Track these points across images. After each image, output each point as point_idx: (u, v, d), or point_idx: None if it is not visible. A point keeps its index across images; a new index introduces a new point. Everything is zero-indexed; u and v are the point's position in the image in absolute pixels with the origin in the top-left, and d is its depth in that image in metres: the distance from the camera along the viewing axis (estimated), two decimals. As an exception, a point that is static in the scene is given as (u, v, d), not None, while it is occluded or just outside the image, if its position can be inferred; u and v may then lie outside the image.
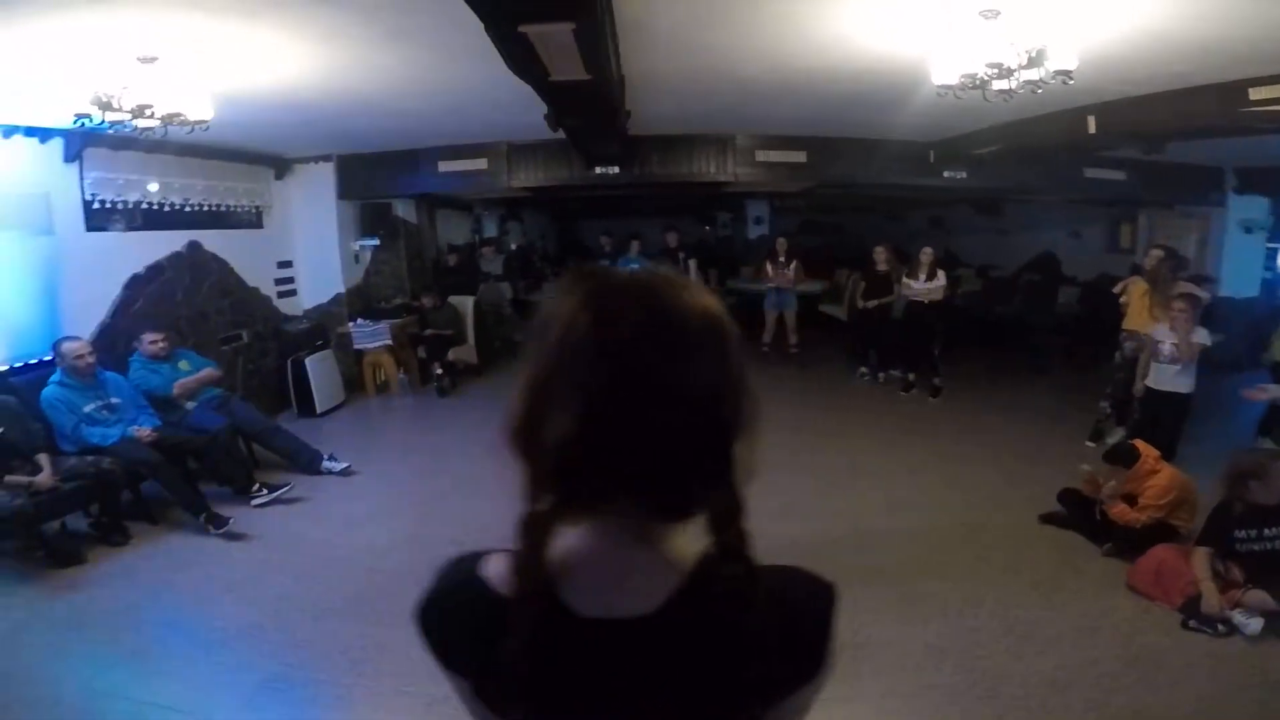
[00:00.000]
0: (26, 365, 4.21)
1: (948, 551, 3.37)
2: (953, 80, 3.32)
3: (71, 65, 2.89)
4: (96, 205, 4.75)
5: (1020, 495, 3.99)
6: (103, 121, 3.05)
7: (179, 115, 3.22)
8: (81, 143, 4.42)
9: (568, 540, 0.59)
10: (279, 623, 3.00)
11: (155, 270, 5.28)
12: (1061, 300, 8.87)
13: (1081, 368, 6.86)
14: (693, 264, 8.07)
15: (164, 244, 5.37)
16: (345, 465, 4.83)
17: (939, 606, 2.87)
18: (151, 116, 3.11)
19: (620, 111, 4.05)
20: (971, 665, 2.45)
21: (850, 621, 2.41)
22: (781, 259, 7.48)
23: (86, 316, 4.68)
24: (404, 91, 4.02)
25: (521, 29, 2.43)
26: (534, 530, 0.57)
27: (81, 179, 4.62)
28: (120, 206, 4.94)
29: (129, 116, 3.05)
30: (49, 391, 3.96)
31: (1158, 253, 5.06)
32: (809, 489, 4.19)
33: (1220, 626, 2.68)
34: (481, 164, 6.19)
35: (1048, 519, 3.70)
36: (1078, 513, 3.58)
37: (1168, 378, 4.18)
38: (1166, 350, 4.17)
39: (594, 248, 9.75)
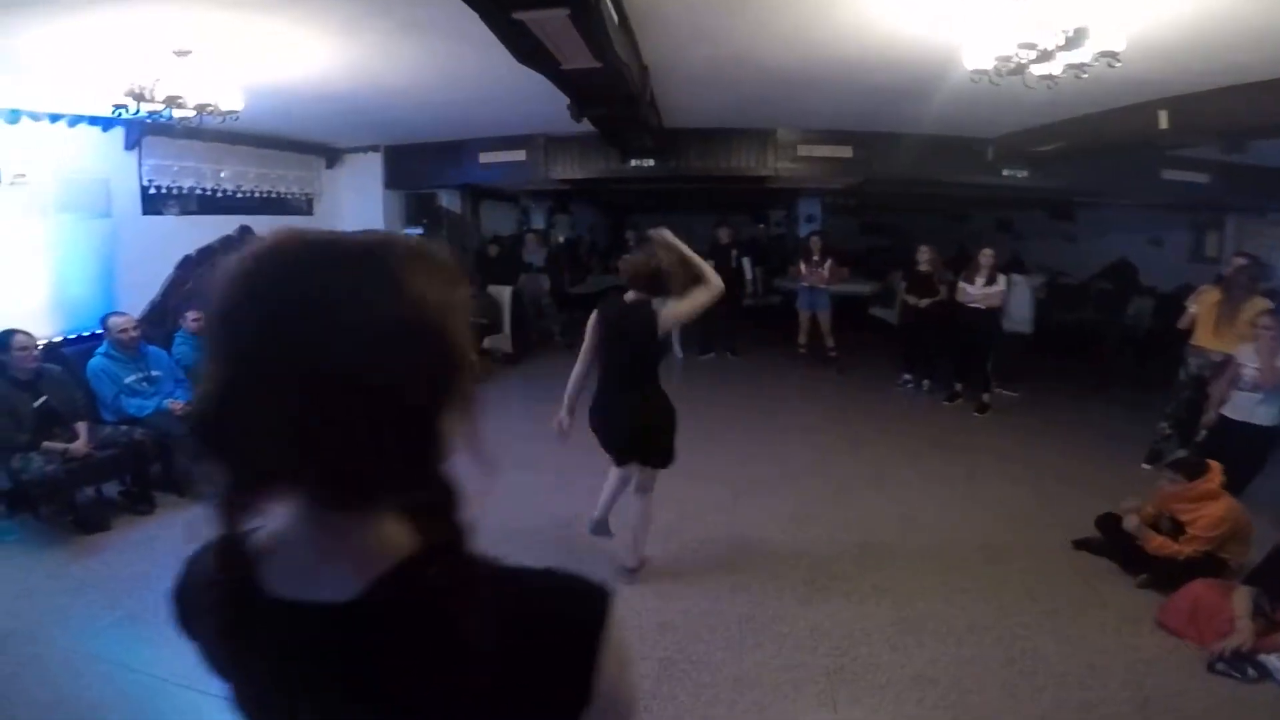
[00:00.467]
0: (79, 337, 4.49)
1: (961, 573, 3.17)
2: (986, 64, 3.11)
3: (112, 57, 3.04)
4: (153, 191, 5.05)
5: (1055, 518, 3.72)
6: (137, 111, 3.21)
7: (210, 106, 3.36)
8: (140, 131, 4.69)
9: (276, 520, 0.56)
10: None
11: (206, 252, 5.56)
12: (1132, 311, 8.25)
13: (1148, 385, 6.36)
14: (746, 261, 7.87)
15: (216, 228, 5.64)
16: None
17: (939, 632, 2.70)
18: (183, 107, 3.24)
19: (643, 101, 3.98)
20: (958, 699, 2.28)
21: (838, 642, 2.31)
22: (815, 257, 7.22)
23: (139, 294, 4.98)
24: (431, 82, 4.09)
25: (516, 16, 2.40)
26: (225, 510, 0.53)
27: (140, 165, 4.91)
28: (175, 192, 5.23)
29: (162, 107, 3.19)
30: (94, 362, 4.20)
31: (1240, 260, 4.61)
32: (824, 497, 4.04)
33: (1251, 670, 2.41)
34: (520, 155, 6.26)
35: (1082, 545, 3.42)
36: (1115, 540, 3.30)
37: (1247, 407, 3.75)
38: (1248, 375, 3.73)
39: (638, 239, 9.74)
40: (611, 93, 3.62)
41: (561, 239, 10.19)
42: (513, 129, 5.94)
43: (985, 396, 5.90)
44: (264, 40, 3.16)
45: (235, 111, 3.48)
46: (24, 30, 2.60)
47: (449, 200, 7.46)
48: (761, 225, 14.15)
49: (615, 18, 2.72)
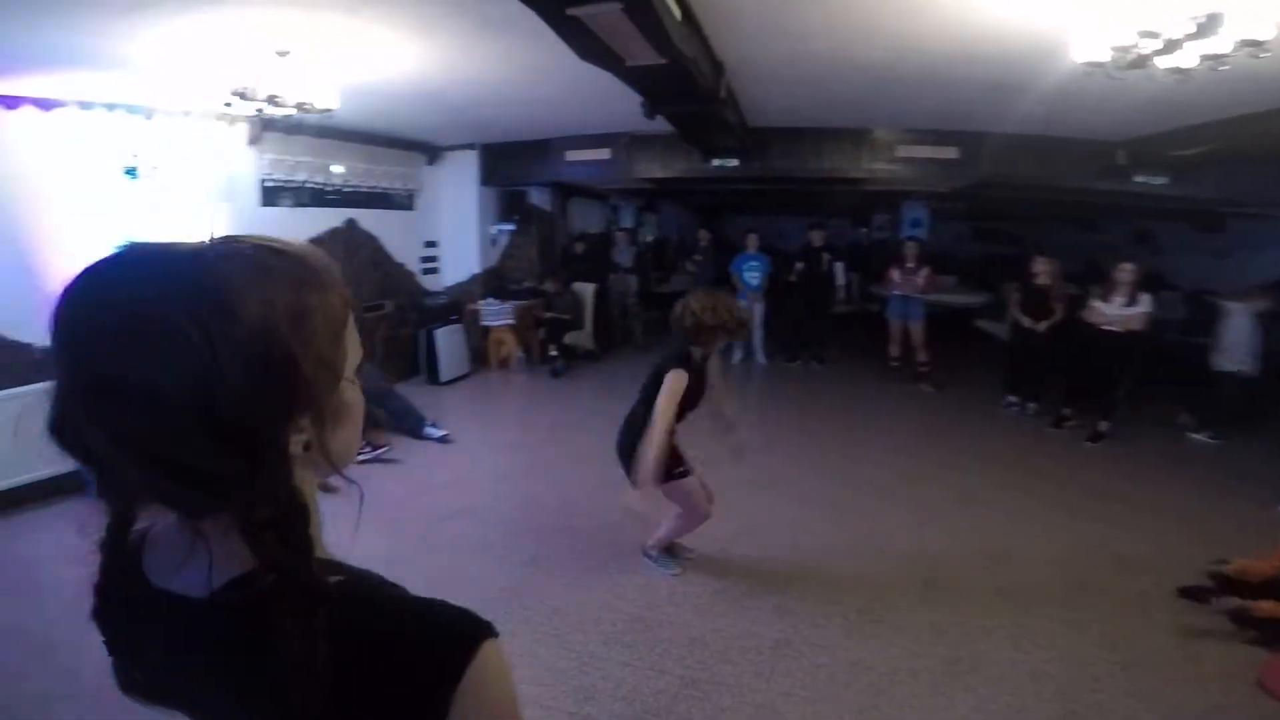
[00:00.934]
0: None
1: (1036, 615, 2.85)
2: (1101, 56, 2.79)
3: (220, 58, 3.33)
4: (270, 184, 5.50)
5: (1163, 563, 3.28)
6: (259, 109, 3.48)
7: (307, 104, 3.59)
8: (261, 128, 5.12)
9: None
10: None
11: (315, 243, 5.94)
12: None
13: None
14: (839, 266, 7.57)
15: (325, 220, 6.08)
16: (444, 433, 5.17)
17: (994, 676, 2.44)
18: (283, 105, 3.49)
19: (718, 100, 3.88)
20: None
21: (877, 679, 2.17)
22: (910, 264, 6.77)
23: (257, 280, 5.44)
24: (514, 81, 4.18)
25: (570, 12, 2.39)
26: (106, 505, 0.58)
27: (259, 160, 5.36)
28: (290, 185, 5.68)
29: (264, 104, 3.44)
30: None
31: None
32: (898, 522, 3.78)
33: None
34: (605, 154, 6.31)
35: (1189, 593, 2.96)
36: (1229, 592, 2.85)
37: None
38: None
39: (737, 244, 9.58)
40: (682, 90, 3.55)
41: (650, 239, 10.21)
42: (597, 128, 5.99)
43: (1102, 425, 5.30)
44: (354, 40, 3.34)
45: (330, 109, 3.70)
46: (140, 32, 2.88)
47: (539, 197, 7.67)
48: (864, 229, 13.59)
49: (677, 13, 2.65)
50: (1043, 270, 5.90)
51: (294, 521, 0.54)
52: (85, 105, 4.09)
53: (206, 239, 0.56)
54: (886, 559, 3.37)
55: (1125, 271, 5.19)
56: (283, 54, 3.34)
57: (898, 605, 2.94)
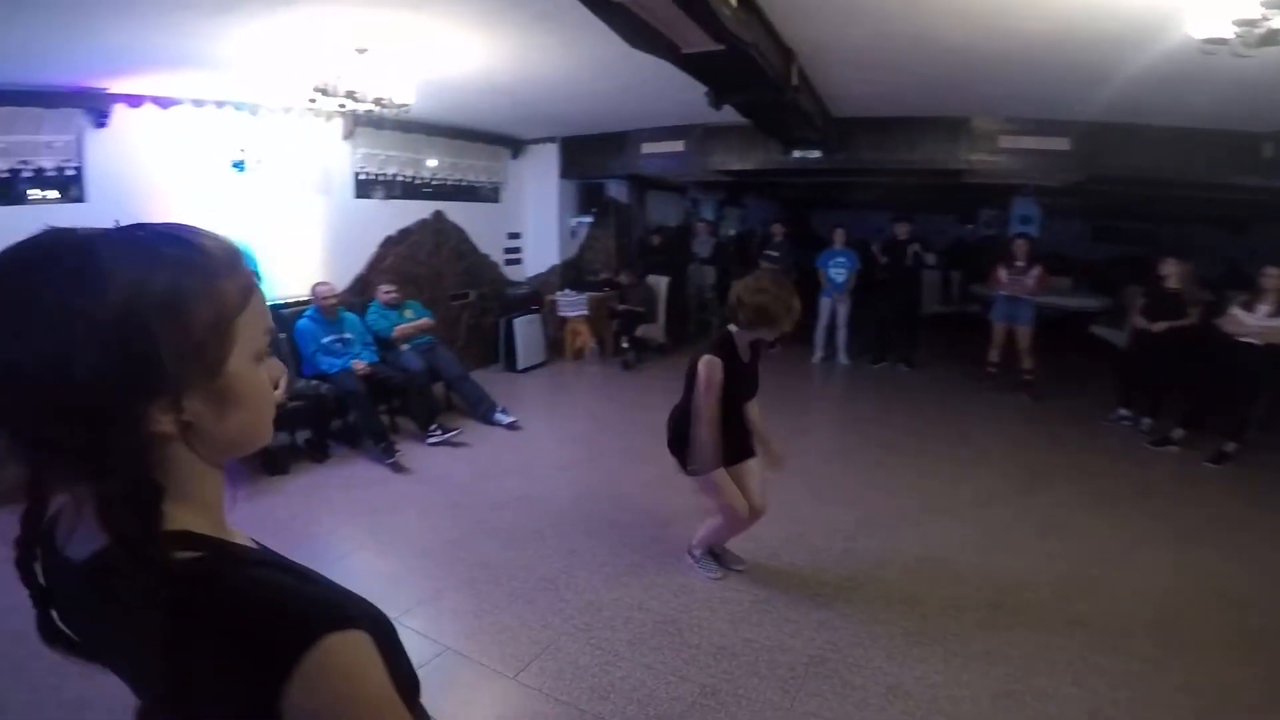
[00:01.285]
0: (296, 302, 5.33)
1: (1111, 651, 2.54)
2: (1222, 32, 2.44)
3: (303, 55, 3.53)
4: (363, 176, 5.82)
5: (1276, 601, 2.86)
6: (328, 105, 3.68)
7: (385, 99, 3.76)
8: (354, 123, 5.42)
9: None
10: (380, 550, 3.42)
11: (405, 233, 6.30)
12: None
13: None
14: (930, 258, 7.11)
15: (415, 211, 6.37)
16: (513, 420, 5.30)
17: (1047, 715, 2.20)
18: (362, 100, 3.67)
19: (789, 88, 3.72)
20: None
21: (914, 708, 2.14)
22: (1020, 262, 6.21)
23: (349, 266, 5.78)
24: (581, 73, 4.20)
25: (614, -1, 2.35)
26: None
27: (353, 154, 5.68)
28: (381, 178, 5.99)
29: (345, 100, 3.63)
30: (301, 323, 4.96)
31: None
32: (971, 540, 3.49)
33: None
34: (679, 146, 6.23)
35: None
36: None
37: None
38: None
39: (824, 238, 9.23)
40: (747, 78, 3.43)
41: (732, 232, 10.02)
42: (671, 120, 5.92)
43: (1229, 446, 4.69)
44: (425, 36, 3.45)
45: (407, 104, 3.86)
46: (228, 32, 3.09)
47: (616, 190, 7.70)
48: (969, 226, 12.78)
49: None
50: (1172, 273, 5.28)
51: (142, 497, 0.55)
52: (198, 103, 4.47)
53: (115, 224, 0.60)
54: (948, 579, 3.12)
55: (1272, 278, 4.55)
56: (361, 51, 3.51)
57: (952, 629, 2.71)
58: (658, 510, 3.75)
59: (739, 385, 2.74)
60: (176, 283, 0.56)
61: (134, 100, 4.14)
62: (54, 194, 4.02)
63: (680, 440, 2.84)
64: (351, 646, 0.58)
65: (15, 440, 0.54)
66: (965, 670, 2.46)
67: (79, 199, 4.09)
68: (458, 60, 3.86)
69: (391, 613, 2.34)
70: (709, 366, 2.63)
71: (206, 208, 4.65)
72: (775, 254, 7.91)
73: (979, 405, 6.08)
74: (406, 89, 3.83)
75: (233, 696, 0.56)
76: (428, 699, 2.40)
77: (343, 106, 3.69)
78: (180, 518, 0.60)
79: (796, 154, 5.92)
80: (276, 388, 0.69)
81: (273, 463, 4.40)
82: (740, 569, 3.14)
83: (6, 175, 3.70)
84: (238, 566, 0.61)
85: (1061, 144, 5.60)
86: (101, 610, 0.59)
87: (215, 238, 0.61)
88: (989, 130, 5.66)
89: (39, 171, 3.86)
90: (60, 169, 3.96)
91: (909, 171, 6.16)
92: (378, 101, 3.77)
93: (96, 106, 3.99)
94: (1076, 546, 3.46)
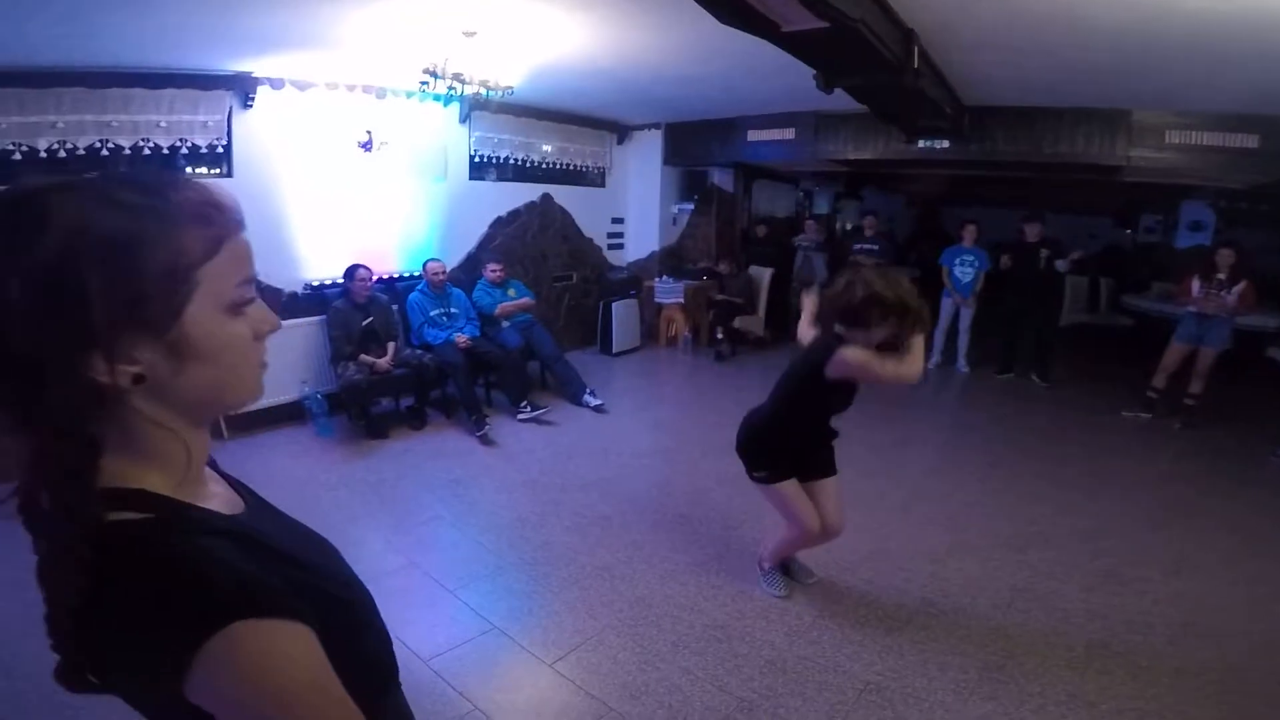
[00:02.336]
0: (410, 276, 5.65)
1: (1213, 702, 2.18)
2: None
3: (415, 38, 3.66)
4: (478, 159, 6.04)
5: None
6: (437, 88, 3.82)
7: (490, 82, 3.85)
8: (470, 106, 5.63)
9: None
10: (454, 521, 3.55)
11: (513, 215, 6.50)
12: None
13: None
14: (1063, 265, 6.33)
15: (524, 194, 6.55)
16: (600, 403, 5.36)
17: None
18: (469, 83, 3.78)
19: (906, 70, 3.42)
20: None
21: None
22: (1221, 276, 5.14)
23: (460, 244, 6.06)
24: (679, 56, 4.10)
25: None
26: None
27: (470, 137, 5.91)
28: (494, 161, 6.20)
29: (453, 83, 3.75)
30: (412, 297, 5.26)
31: None
32: (1068, 575, 3.10)
33: None
34: (789, 134, 5.95)
35: None
36: None
37: None
38: None
39: (953, 235, 8.54)
40: (858, 60, 3.18)
41: (849, 226, 9.50)
42: (780, 106, 5.66)
43: None
44: (529, 20, 3.47)
45: (511, 87, 3.94)
46: (345, 14, 3.24)
47: (721, 178, 7.52)
48: (1128, 231, 11.41)
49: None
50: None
51: (73, 451, 0.54)
52: (331, 86, 4.81)
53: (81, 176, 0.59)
54: (1044, 613, 2.79)
55: None
56: (469, 34, 3.60)
57: (1036, 669, 2.43)
58: (731, 510, 3.64)
59: (830, 394, 2.48)
60: (123, 229, 0.54)
61: (275, 83, 4.52)
62: (205, 170, 4.48)
63: (752, 445, 2.69)
64: (266, 636, 0.56)
65: None
66: (1040, 714, 2.20)
67: (227, 174, 4.53)
68: (561, 43, 3.87)
69: (449, 585, 2.41)
70: (857, 351, 2.31)
71: (335, 185, 5.02)
72: (873, 248, 7.38)
73: (1116, 428, 5.39)
74: (511, 72, 3.91)
75: (140, 669, 0.56)
76: (464, 673, 2.46)
77: (451, 90, 3.82)
78: (138, 476, 0.59)
79: (922, 144, 5.48)
80: (264, 336, 0.66)
81: (375, 428, 4.71)
82: (811, 582, 2.98)
83: (167, 152, 4.16)
84: (184, 533, 0.58)
85: (1249, 141, 4.84)
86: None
87: (197, 188, 0.60)
88: (1155, 124, 4.99)
89: (194, 148, 4.31)
90: (212, 146, 4.40)
91: (1055, 167, 5.53)
92: (484, 84, 3.87)
93: (243, 89, 4.38)
94: (1206, 590, 3.00)
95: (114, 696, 0.59)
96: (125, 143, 3.99)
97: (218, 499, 0.69)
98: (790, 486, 2.63)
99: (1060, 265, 6.11)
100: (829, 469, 2.73)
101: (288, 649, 0.57)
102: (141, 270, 0.55)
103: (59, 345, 0.53)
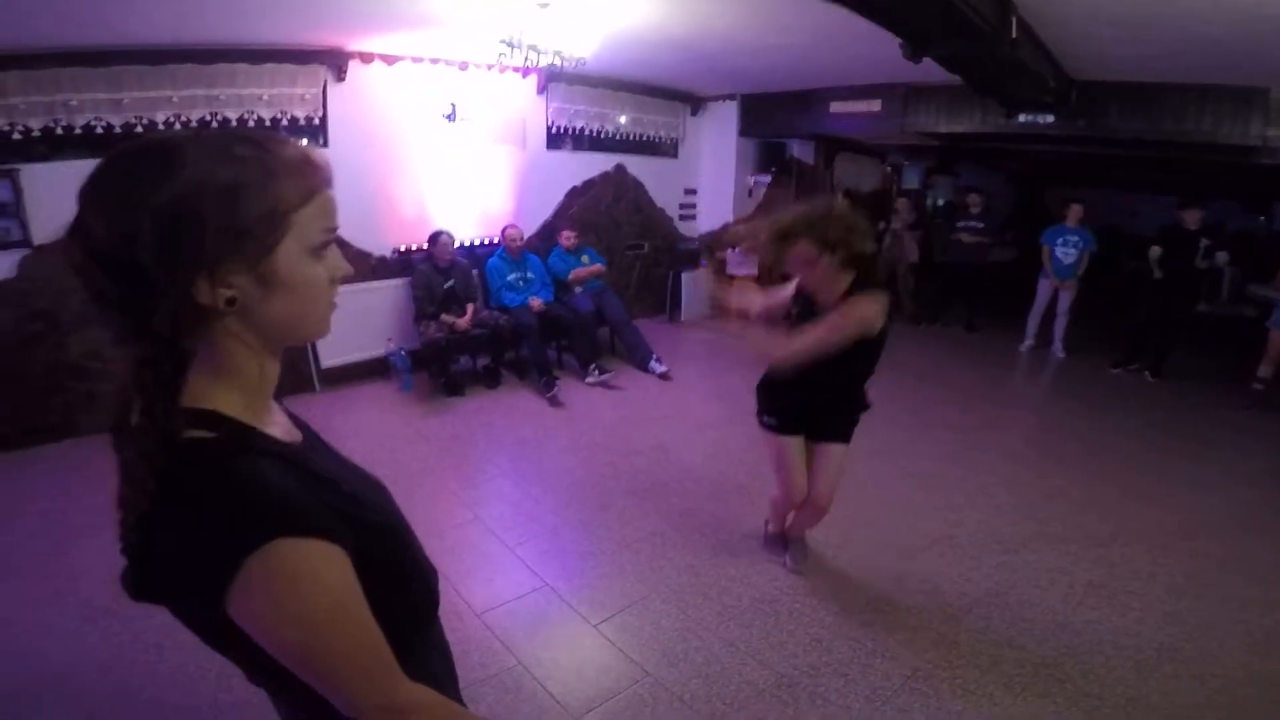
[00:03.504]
0: (490, 243, 5.83)
1: None
2: None
3: (493, 11, 3.73)
4: (554, 130, 6.12)
5: None
6: (514, 59, 3.89)
7: (563, 53, 3.89)
8: (547, 78, 5.69)
9: None
10: (519, 479, 3.72)
11: (588, 184, 6.57)
12: None
13: None
14: (1222, 256, 5.79)
15: (598, 164, 6.61)
16: (665, 369, 5.42)
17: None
18: (543, 53, 3.83)
19: (1002, 41, 3.21)
20: None
21: None
22: None
23: (537, 212, 6.19)
24: (755, 25, 3.99)
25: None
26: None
27: (547, 108, 5.98)
28: (571, 132, 6.26)
29: (528, 53, 3.81)
30: (491, 261, 5.44)
31: None
32: (1156, 577, 2.93)
33: None
34: (874, 106, 5.67)
35: None
36: None
37: None
38: None
39: (1056, 214, 7.98)
40: (948, 28, 3.02)
41: (940, 202, 9.02)
42: (865, 77, 5.40)
43: None
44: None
45: (583, 58, 3.96)
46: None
47: (800, 150, 7.29)
48: (1261, 218, 10.38)
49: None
50: None
51: (170, 359, 0.63)
52: (417, 60, 4.98)
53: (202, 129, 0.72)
54: (1116, 611, 2.67)
55: None
56: (544, 4, 3.63)
57: (1097, 667, 2.35)
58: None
59: (853, 355, 2.24)
60: (235, 176, 0.64)
61: (366, 57, 4.73)
62: (303, 141, 4.76)
63: (770, 388, 2.54)
64: (301, 554, 0.62)
65: (87, 291, 0.63)
66: (1092, 716, 2.13)
67: (323, 145, 4.79)
68: (633, 14, 3.84)
69: (508, 541, 2.56)
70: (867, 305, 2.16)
71: (421, 155, 5.23)
72: (978, 225, 7.00)
73: (1225, 423, 4.97)
74: (584, 43, 3.92)
75: (187, 581, 0.62)
76: (512, 628, 2.61)
77: (527, 60, 3.88)
78: (213, 396, 0.67)
79: (1023, 118, 5.12)
80: (337, 281, 0.74)
81: (453, 385, 4.96)
82: (794, 570, 2.85)
83: (269, 124, 4.44)
84: (241, 453, 0.65)
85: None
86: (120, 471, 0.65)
87: (296, 146, 0.70)
88: (1299, 103, 4.46)
89: (293, 120, 4.58)
90: (309, 118, 4.66)
91: (1177, 146, 5.06)
92: (558, 54, 3.91)
93: (337, 63, 4.61)
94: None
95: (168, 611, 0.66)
96: (232, 115, 4.29)
97: (278, 427, 0.76)
98: (793, 444, 2.56)
99: (1220, 258, 5.60)
100: (841, 437, 2.57)
101: (321, 569, 0.64)
102: (247, 211, 0.64)
103: (176, 266, 0.61)
